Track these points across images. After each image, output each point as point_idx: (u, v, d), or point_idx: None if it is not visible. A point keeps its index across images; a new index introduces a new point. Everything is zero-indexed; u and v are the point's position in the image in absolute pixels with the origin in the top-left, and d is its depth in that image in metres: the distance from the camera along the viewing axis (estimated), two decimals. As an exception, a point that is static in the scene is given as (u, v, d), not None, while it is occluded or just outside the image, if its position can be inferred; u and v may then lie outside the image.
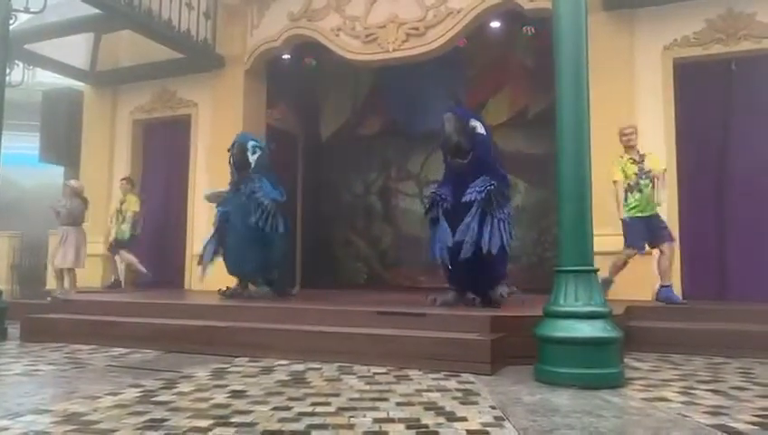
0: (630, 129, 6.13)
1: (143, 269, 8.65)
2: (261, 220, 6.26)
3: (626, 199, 5.98)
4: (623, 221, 6.00)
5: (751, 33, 6.69)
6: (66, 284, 7.90)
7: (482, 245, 4.87)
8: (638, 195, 5.94)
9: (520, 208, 10.08)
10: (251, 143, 6.68)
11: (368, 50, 8.44)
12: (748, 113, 6.83)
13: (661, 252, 5.97)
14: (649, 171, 5.94)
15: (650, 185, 5.94)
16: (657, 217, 5.99)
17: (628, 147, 6.09)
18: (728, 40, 6.78)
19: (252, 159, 6.58)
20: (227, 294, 6.60)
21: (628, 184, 5.98)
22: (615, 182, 6.02)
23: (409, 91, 10.19)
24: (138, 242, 8.85)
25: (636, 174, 5.97)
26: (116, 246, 8.75)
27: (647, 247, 6.05)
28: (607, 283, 5.86)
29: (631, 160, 6.04)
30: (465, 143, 5.19)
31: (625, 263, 6.01)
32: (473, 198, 5.00)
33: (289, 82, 10.13)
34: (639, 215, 5.92)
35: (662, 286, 6.00)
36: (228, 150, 6.75)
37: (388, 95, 10.65)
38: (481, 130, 5.35)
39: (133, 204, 8.74)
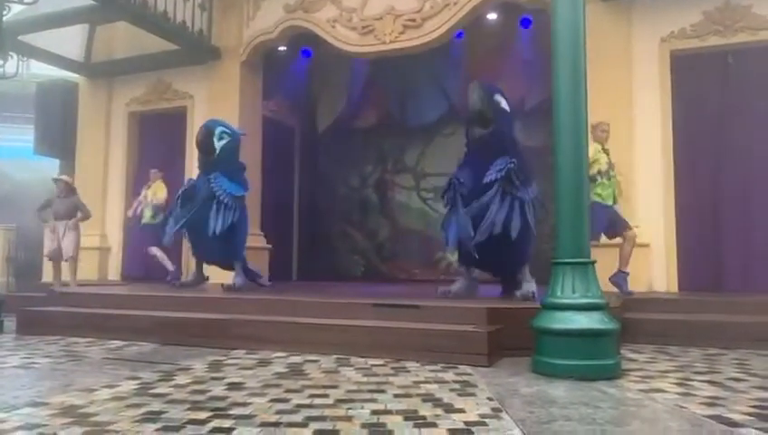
0: (606, 125, 6.19)
1: (170, 267, 8.56)
2: (220, 217, 6.28)
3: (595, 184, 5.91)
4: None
5: (747, 24, 6.69)
6: (68, 276, 7.86)
7: (499, 226, 4.77)
8: (606, 182, 6.00)
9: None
10: (219, 129, 6.68)
11: (364, 42, 8.40)
12: (745, 105, 6.84)
13: (624, 239, 6.01)
14: (614, 164, 6.09)
15: (614, 177, 6.07)
16: (616, 205, 6.10)
17: (601, 143, 6.11)
18: (725, 32, 6.78)
19: (218, 144, 6.57)
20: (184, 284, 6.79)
21: (598, 170, 5.95)
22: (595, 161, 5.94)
23: (406, 83, 10.16)
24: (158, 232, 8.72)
25: (607, 163, 6.05)
26: (147, 234, 8.56)
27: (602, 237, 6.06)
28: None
29: (605, 151, 6.10)
30: (489, 113, 5.12)
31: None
32: (493, 178, 4.89)
33: (285, 74, 10.09)
34: (604, 203, 5.95)
35: (620, 271, 5.98)
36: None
37: (384, 87, 10.61)
38: (505, 105, 5.33)
39: (161, 190, 8.66)
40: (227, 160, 6.66)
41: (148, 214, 8.57)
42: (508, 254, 5.08)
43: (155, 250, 8.45)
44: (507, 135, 5.29)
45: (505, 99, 5.42)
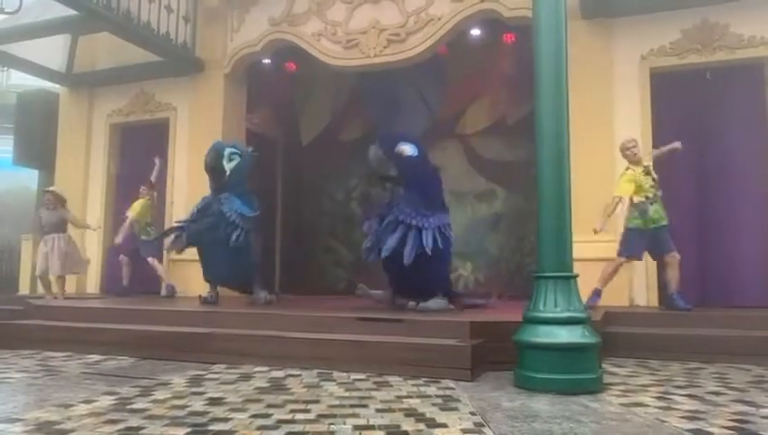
0: (633, 142, 6.09)
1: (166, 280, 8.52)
2: (233, 237, 6.22)
3: (646, 214, 5.95)
4: (627, 230, 6.02)
5: (725, 43, 6.82)
6: (56, 290, 7.74)
7: (387, 251, 5.20)
8: (657, 206, 5.94)
9: (499, 215, 10.16)
10: (228, 150, 6.58)
11: (349, 55, 8.44)
12: (723, 122, 6.96)
13: (668, 262, 6.02)
14: (657, 179, 5.99)
15: (660, 195, 5.99)
16: (663, 226, 5.99)
17: (635, 161, 6.02)
18: (703, 50, 6.90)
19: (227, 166, 6.49)
20: (208, 300, 6.54)
21: (646, 196, 5.93)
22: (619, 198, 5.96)
23: (390, 97, 10.20)
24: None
25: (652, 186, 5.96)
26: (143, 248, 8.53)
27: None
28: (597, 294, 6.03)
29: (644, 172, 5.98)
30: (392, 170, 5.51)
31: (616, 270, 6.07)
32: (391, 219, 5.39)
33: (269, 87, 10.08)
34: (644, 226, 5.93)
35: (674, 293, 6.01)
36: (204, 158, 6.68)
37: (369, 101, 10.64)
38: (410, 152, 5.54)
39: (139, 205, 8.57)
40: (238, 182, 6.59)
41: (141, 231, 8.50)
42: (413, 278, 5.40)
43: (154, 262, 8.40)
44: (413, 177, 5.52)
45: (411, 142, 5.66)
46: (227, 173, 6.47)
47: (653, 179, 6.00)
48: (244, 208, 6.40)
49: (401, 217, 5.34)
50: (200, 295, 6.63)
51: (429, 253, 5.18)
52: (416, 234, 5.26)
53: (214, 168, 6.48)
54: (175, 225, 6.72)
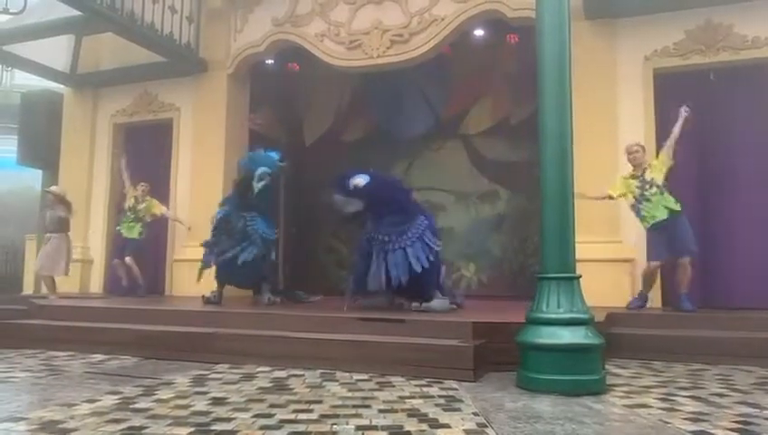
0: (636, 147, 6.19)
1: (140, 281, 8.55)
2: (250, 256, 6.29)
3: (640, 213, 6.13)
4: (647, 232, 6.15)
5: (729, 44, 6.80)
6: (45, 290, 7.78)
7: (382, 281, 5.45)
8: (647, 204, 6.03)
9: (502, 216, 10.16)
10: (260, 171, 6.46)
11: (352, 56, 8.45)
12: (727, 123, 6.94)
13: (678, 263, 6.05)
14: (652, 180, 6.03)
15: (658, 192, 6.01)
16: (677, 220, 5.99)
17: (636, 165, 6.14)
18: (707, 51, 6.88)
19: (256, 186, 6.43)
20: (211, 300, 6.54)
21: (635, 199, 6.10)
22: (610, 196, 6.16)
23: (393, 97, 10.21)
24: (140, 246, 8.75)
25: (638, 187, 6.07)
26: (125, 247, 8.57)
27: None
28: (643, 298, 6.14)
29: (632, 176, 6.13)
30: (351, 207, 5.74)
31: (653, 275, 6.16)
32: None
33: (272, 87, 10.09)
34: (655, 222, 6.00)
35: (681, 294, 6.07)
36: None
37: (372, 101, 10.65)
38: (362, 182, 5.71)
39: (156, 207, 8.62)
40: (264, 201, 6.62)
41: (136, 228, 8.51)
42: (409, 289, 5.58)
43: (131, 261, 8.44)
44: (376, 202, 5.67)
45: (361, 171, 5.86)
46: (255, 192, 6.42)
47: (640, 181, 6.07)
48: (268, 232, 6.55)
49: (384, 239, 5.54)
50: (203, 295, 6.63)
51: (420, 270, 5.36)
52: (402, 254, 5.43)
53: (243, 186, 6.50)
54: (205, 251, 6.61)
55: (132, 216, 8.57)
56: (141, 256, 8.69)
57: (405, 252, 5.43)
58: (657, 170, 6.10)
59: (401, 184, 6.08)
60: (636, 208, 6.18)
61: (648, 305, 6.27)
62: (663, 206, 6.00)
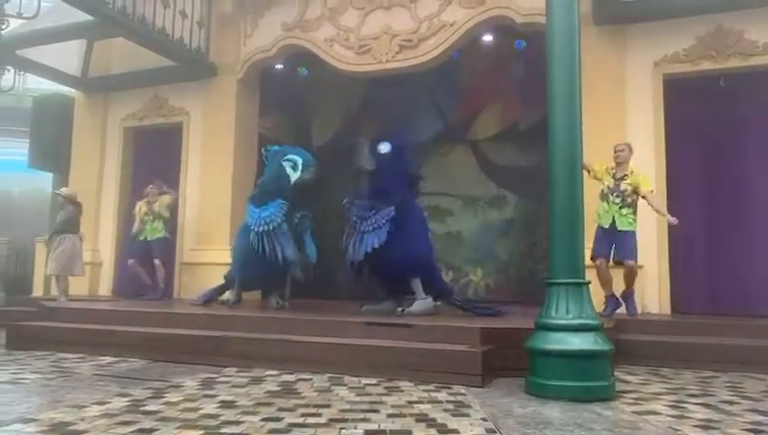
0: (622, 146, 6.14)
1: (162, 285, 8.57)
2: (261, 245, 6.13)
3: (598, 208, 6.06)
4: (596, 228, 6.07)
5: (739, 50, 6.77)
6: (57, 291, 7.83)
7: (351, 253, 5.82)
8: (605, 205, 6.00)
9: (509, 221, 10.14)
10: (307, 160, 6.53)
11: (361, 61, 8.47)
12: (737, 129, 6.91)
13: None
14: (624, 191, 5.93)
15: (620, 205, 5.91)
16: (623, 234, 5.90)
17: (617, 163, 6.10)
18: (717, 57, 6.86)
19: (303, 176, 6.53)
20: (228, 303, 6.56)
21: (601, 190, 6.03)
22: (587, 169, 5.88)
23: (402, 102, 10.21)
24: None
25: (609, 187, 6.01)
26: (152, 250, 8.52)
27: (609, 259, 6.00)
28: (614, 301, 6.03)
29: (612, 173, 6.08)
30: (369, 164, 6.02)
31: (601, 273, 5.98)
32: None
33: (282, 92, 10.12)
34: (602, 225, 5.99)
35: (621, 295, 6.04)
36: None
37: (380, 106, 10.66)
38: (384, 149, 5.97)
39: (167, 198, 8.64)
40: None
41: (157, 227, 8.51)
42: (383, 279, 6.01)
43: (159, 263, 8.46)
44: (380, 172, 5.96)
45: (396, 142, 6.11)
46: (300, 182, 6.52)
47: (615, 182, 5.99)
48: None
49: (354, 219, 5.95)
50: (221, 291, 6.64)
51: (370, 250, 5.57)
52: (360, 238, 5.74)
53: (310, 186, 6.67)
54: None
55: (151, 216, 8.58)
56: (170, 255, 8.70)
57: (363, 237, 5.71)
58: (643, 182, 5.96)
59: (405, 172, 6.12)
60: (599, 200, 6.05)
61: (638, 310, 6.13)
62: (614, 218, 5.91)
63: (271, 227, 6.11)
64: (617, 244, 5.94)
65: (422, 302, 5.65)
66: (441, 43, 8.05)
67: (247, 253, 6.23)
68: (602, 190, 6.05)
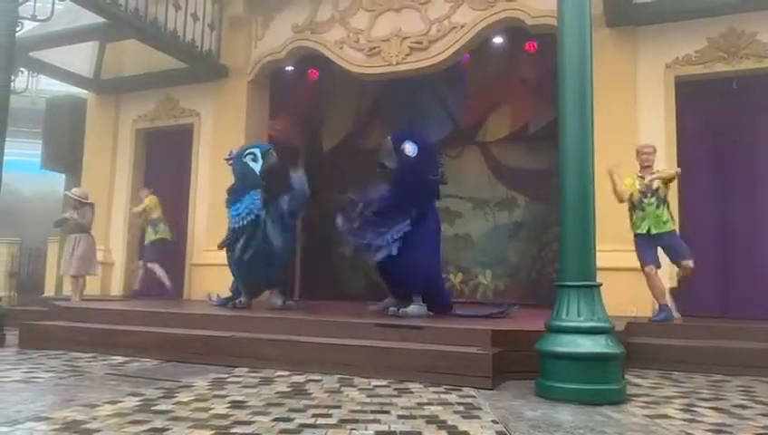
0: (650, 148, 6.07)
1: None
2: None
3: (631, 218, 6.02)
4: (634, 238, 6.01)
5: (752, 52, 6.74)
6: (70, 291, 7.89)
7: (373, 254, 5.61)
8: (639, 213, 5.93)
9: (519, 223, 10.11)
10: (262, 148, 6.57)
11: (371, 63, 8.49)
12: (749, 131, 6.86)
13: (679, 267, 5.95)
14: (656, 190, 5.88)
15: (656, 204, 5.87)
16: (667, 235, 5.88)
17: (645, 166, 6.00)
18: (730, 59, 6.82)
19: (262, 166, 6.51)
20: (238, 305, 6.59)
21: (631, 201, 5.98)
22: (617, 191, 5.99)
23: (412, 104, 10.22)
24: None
25: (641, 191, 5.93)
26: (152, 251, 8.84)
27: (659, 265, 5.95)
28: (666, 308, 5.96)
29: (640, 176, 5.99)
30: (390, 162, 5.80)
31: (652, 281, 5.95)
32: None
33: (292, 94, 10.16)
34: (643, 233, 5.90)
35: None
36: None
37: (390, 108, 10.68)
38: (410, 151, 5.75)
39: (150, 199, 8.95)
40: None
41: (157, 229, 8.68)
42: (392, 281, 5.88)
43: (156, 267, 8.58)
44: (401, 177, 5.74)
45: (419, 142, 5.89)
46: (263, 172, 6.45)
47: (644, 185, 5.94)
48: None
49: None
50: (230, 301, 6.67)
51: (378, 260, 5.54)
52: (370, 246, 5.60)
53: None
54: None
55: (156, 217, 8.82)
56: (165, 257, 8.87)
57: (371, 247, 5.61)
58: (664, 171, 5.98)
59: (428, 178, 5.78)
60: (630, 211, 6.02)
61: (676, 314, 6.07)
62: (650, 224, 5.86)
63: (248, 220, 6.19)
64: (664, 248, 5.89)
65: (418, 308, 5.59)
66: (451, 45, 8.05)
67: (238, 259, 6.33)
68: (632, 200, 5.96)
